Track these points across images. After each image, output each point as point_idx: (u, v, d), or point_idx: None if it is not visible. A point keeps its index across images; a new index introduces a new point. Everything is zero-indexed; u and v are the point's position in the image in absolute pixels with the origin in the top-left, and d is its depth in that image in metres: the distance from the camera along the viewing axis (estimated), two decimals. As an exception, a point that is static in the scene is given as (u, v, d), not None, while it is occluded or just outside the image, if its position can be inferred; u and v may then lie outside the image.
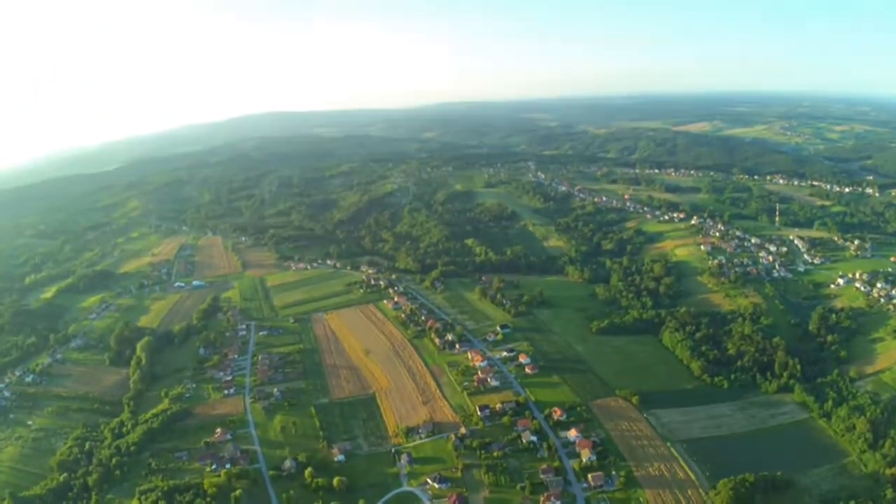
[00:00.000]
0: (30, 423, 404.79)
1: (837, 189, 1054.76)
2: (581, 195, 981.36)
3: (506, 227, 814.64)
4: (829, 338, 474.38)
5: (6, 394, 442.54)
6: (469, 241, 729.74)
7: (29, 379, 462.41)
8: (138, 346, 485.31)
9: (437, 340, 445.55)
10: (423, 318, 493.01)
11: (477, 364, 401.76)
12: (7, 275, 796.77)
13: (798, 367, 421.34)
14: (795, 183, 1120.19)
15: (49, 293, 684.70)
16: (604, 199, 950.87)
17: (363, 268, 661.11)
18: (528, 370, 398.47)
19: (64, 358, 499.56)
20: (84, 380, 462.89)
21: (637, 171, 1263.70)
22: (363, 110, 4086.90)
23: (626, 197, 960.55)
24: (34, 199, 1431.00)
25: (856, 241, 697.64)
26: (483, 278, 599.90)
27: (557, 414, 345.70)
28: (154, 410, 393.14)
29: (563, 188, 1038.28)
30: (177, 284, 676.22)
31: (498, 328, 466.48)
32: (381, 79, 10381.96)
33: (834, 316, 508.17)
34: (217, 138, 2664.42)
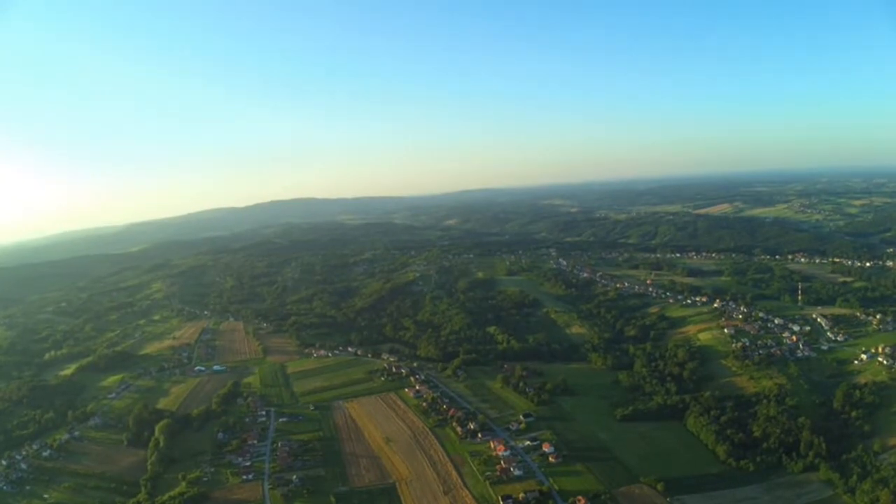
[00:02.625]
0: (46, 496, 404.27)
1: (858, 264, 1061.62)
2: (603, 281, 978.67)
3: (527, 314, 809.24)
4: (853, 413, 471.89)
5: (23, 466, 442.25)
6: (491, 329, 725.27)
7: (46, 453, 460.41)
8: (157, 428, 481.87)
9: (458, 429, 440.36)
10: (444, 406, 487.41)
11: (499, 453, 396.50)
12: (27, 350, 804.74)
13: (823, 445, 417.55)
14: (817, 261, 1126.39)
15: (69, 370, 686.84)
16: (626, 284, 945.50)
17: (384, 356, 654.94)
18: (551, 459, 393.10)
19: (82, 435, 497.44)
20: (101, 458, 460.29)
21: (658, 255, 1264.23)
22: (386, 198, 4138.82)
23: (647, 282, 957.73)
24: (58, 275, 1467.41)
25: (878, 316, 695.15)
26: (505, 366, 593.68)
27: (581, 503, 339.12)
28: (171, 493, 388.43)
29: (585, 274, 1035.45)
30: (197, 368, 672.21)
31: (521, 417, 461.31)
32: (404, 167, 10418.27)
33: (857, 392, 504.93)
34: (242, 224, 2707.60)
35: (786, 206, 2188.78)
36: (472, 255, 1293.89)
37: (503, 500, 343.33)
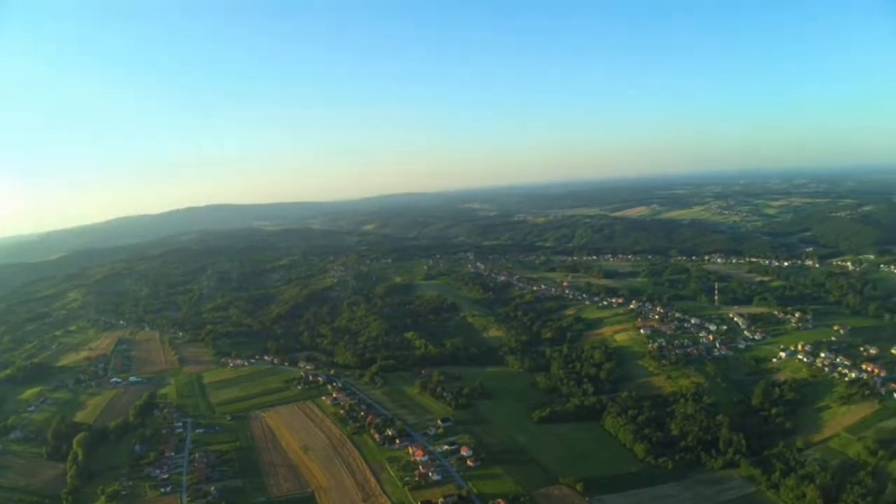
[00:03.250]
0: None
1: (776, 264, 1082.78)
2: (520, 284, 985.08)
3: (445, 319, 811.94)
4: (773, 410, 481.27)
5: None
6: (409, 335, 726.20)
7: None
8: (75, 441, 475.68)
9: (376, 436, 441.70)
10: (362, 413, 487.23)
11: (418, 458, 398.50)
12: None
13: (743, 441, 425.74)
14: (734, 261, 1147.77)
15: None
16: (543, 287, 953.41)
17: (301, 364, 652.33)
18: (469, 463, 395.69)
19: (4, 449, 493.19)
20: (23, 472, 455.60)
21: (575, 258, 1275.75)
22: (304, 203, 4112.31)
23: (564, 284, 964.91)
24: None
25: (797, 314, 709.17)
26: (423, 372, 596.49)
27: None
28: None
29: (503, 278, 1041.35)
30: (113, 380, 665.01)
31: (439, 421, 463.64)
32: (322, 172, 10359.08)
33: (777, 389, 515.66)
34: (159, 230, 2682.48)
35: (703, 207, 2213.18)
36: (390, 260, 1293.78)
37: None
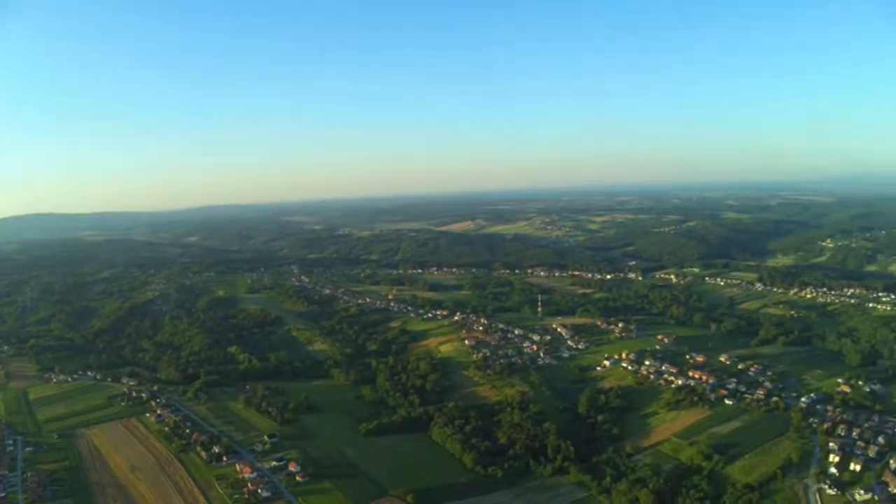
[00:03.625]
0: None
1: (599, 277, 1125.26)
2: (345, 297, 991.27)
3: (269, 332, 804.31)
4: (600, 417, 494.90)
5: None
6: (232, 349, 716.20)
7: None
8: None
9: (203, 454, 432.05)
10: (187, 430, 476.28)
11: (246, 475, 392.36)
12: None
13: (571, 448, 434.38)
14: (557, 274, 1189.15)
15: None
16: (368, 300, 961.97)
17: (124, 379, 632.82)
18: (298, 478, 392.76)
19: None
20: None
21: (400, 271, 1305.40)
22: (127, 213, 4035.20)
23: (389, 297, 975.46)
24: None
25: (620, 324, 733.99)
26: (247, 387, 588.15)
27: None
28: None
29: (327, 291, 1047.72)
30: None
31: (265, 437, 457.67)
32: (143, 181, 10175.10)
33: (603, 396, 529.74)
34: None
35: (527, 223, 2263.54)
36: (213, 273, 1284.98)
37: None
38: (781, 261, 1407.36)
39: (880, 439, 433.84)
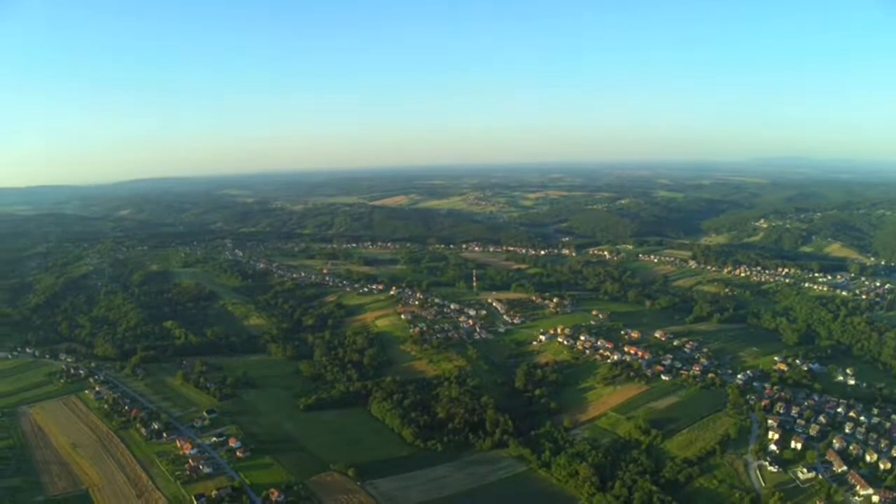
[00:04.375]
0: None
1: (534, 252, 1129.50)
2: (280, 272, 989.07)
3: (205, 307, 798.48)
4: (537, 392, 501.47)
5: None
6: (168, 324, 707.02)
7: None
8: None
9: (143, 430, 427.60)
10: (126, 407, 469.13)
11: (187, 452, 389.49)
12: None
13: (510, 422, 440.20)
14: (491, 249, 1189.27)
15: None
16: (302, 274, 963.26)
17: (62, 356, 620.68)
18: (239, 454, 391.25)
19: None
20: None
21: (335, 245, 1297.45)
22: (58, 186, 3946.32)
23: (324, 271, 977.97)
24: None
25: (555, 300, 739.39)
26: (184, 362, 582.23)
27: (275, 495, 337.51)
28: None
29: (262, 265, 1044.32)
30: None
31: (204, 413, 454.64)
32: (75, 154, 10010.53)
33: (539, 371, 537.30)
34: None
35: (461, 198, 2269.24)
36: (146, 247, 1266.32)
37: (196, 499, 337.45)
38: (715, 239, 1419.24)
39: (821, 418, 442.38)
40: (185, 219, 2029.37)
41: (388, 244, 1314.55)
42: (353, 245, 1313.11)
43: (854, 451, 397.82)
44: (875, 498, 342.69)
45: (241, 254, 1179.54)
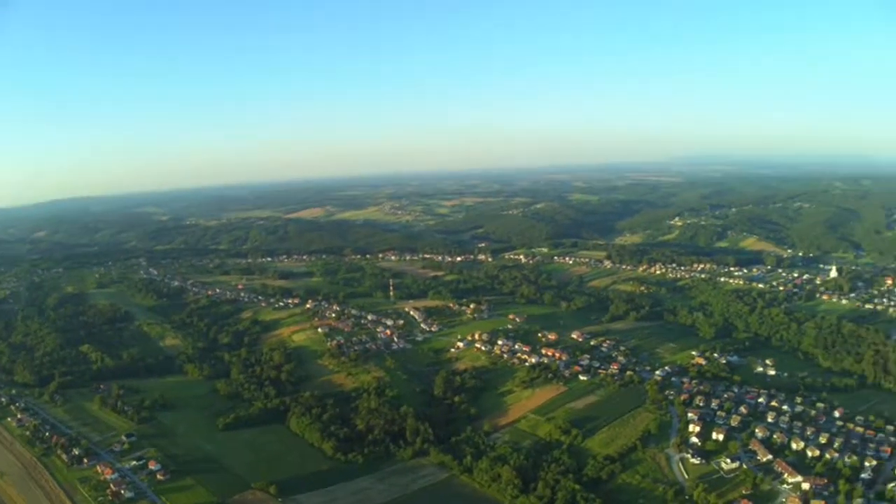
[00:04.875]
0: None
1: (450, 259, 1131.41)
2: (194, 289, 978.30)
3: (120, 328, 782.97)
4: (457, 398, 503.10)
5: None
6: (84, 347, 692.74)
7: None
8: None
9: (64, 457, 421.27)
10: (47, 434, 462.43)
11: (108, 477, 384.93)
12: None
13: (430, 430, 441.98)
14: (408, 258, 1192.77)
15: None
16: (217, 291, 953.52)
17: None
18: (159, 477, 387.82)
19: None
20: None
21: (250, 260, 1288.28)
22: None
23: (239, 287, 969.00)
24: None
25: (472, 305, 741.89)
26: (101, 386, 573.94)
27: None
28: None
29: (176, 283, 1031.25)
30: None
31: (123, 437, 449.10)
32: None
33: (458, 377, 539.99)
34: None
35: (377, 208, 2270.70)
36: (62, 269, 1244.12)
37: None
38: (630, 239, 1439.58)
39: (742, 409, 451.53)
40: (99, 238, 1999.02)
41: (304, 257, 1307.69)
42: (269, 259, 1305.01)
43: (778, 440, 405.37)
44: (805, 485, 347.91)
45: (155, 272, 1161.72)
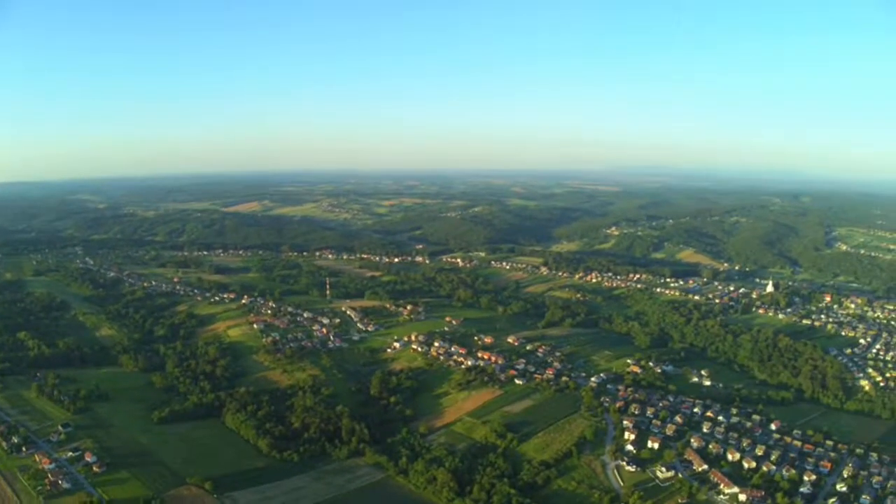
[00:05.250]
0: None
1: (387, 260, 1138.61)
2: (130, 280, 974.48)
3: (57, 317, 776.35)
4: (392, 399, 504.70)
5: None
6: (21, 335, 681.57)
7: None
8: None
9: (3, 444, 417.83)
10: None
11: (45, 466, 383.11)
12: None
13: (366, 430, 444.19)
14: (345, 257, 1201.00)
15: None
16: (153, 283, 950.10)
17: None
18: (95, 469, 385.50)
19: None
20: None
21: (186, 253, 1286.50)
22: None
23: (175, 280, 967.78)
24: None
25: (409, 307, 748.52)
26: (38, 374, 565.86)
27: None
28: None
29: (113, 274, 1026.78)
30: None
31: (59, 427, 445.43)
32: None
33: (394, 378, 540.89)
34: None
35: (314, 205, 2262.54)
36: (0, 255, 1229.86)
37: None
38: (566, 246, 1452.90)
39: (677, 418, 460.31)
40: (37, 225, 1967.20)
41: (241, 252, 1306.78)
42: (205, 252, 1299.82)
43: (714, 450, 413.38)
44: (742, 497, 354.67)
45: (91, 262, 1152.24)
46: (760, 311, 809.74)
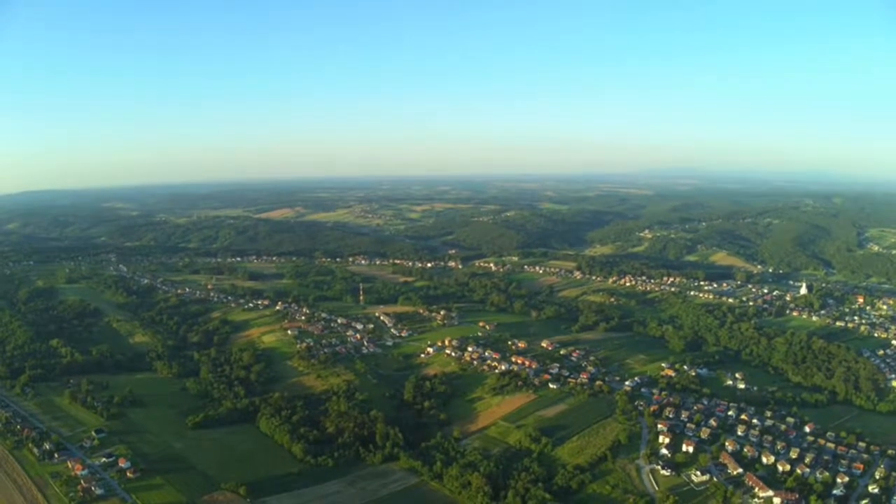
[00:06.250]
0: None
1: (420, 265, 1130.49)
2: (164, 287, 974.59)
3: (90, 324, 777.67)
4: (426, 404, 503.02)
5: None
6: (54, 342, 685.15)
7: None
8: None
9: (35, 451, 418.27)
10: (19, 426, 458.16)
11: (78, 473, 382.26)
12: None
13: (400, 435, 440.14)
14: (378, 262, 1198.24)
15: None
16: (187, 290, 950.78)
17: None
18: (129, 474, 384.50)
19: None
20: None
21: (219, 260, 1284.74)
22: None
23: (209, 287, 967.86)
24: None
25: (442, 312, 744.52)
26: (71, 381, 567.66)
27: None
28: None
29: (146, 281, 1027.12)
30: None
31: (93, 433, 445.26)
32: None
33: (428, 383, 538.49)
34: None
35: (347, 211, 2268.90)
36: (32, 262, 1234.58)
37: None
38: (599, 250, 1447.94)
39: (711, 421, 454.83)
40: (70, 233, 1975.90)
41: (274, 258, 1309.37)
42: (238, 259, 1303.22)
43: (749, 454, 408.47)
44: (776, 500, 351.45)
45: (125, 269, 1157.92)
46: (794, 313, 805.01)
